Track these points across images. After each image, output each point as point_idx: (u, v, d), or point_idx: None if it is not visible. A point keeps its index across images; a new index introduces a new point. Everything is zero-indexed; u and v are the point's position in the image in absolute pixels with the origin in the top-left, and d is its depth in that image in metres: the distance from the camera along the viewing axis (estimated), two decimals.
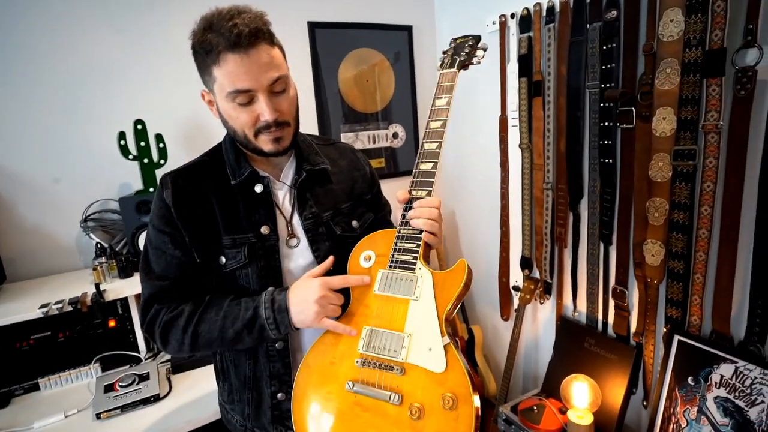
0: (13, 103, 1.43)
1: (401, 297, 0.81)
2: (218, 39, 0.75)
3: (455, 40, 1.00)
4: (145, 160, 1.46)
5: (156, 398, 1.20)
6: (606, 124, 1.35)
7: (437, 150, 0.88)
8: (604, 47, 1.30)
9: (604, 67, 1.32)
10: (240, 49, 0.75)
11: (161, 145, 1.50)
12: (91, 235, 1.49)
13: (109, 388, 1.23)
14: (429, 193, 0.87)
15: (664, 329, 1.30)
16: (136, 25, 1.54)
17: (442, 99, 0.92)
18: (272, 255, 0.90)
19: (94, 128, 1.52)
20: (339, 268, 0.95)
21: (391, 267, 0.84)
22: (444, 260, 2.17)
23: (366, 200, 1.03)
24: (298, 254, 0.93)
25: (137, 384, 1.24)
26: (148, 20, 1.55)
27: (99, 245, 1.44)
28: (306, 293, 0.82)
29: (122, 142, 1.44)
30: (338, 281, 0.84)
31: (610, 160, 1.36)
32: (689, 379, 1.22)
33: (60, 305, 1.22)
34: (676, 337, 1.25)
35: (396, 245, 0.85)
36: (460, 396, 0.71)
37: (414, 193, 0.87)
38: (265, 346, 0.91)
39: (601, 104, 1.34)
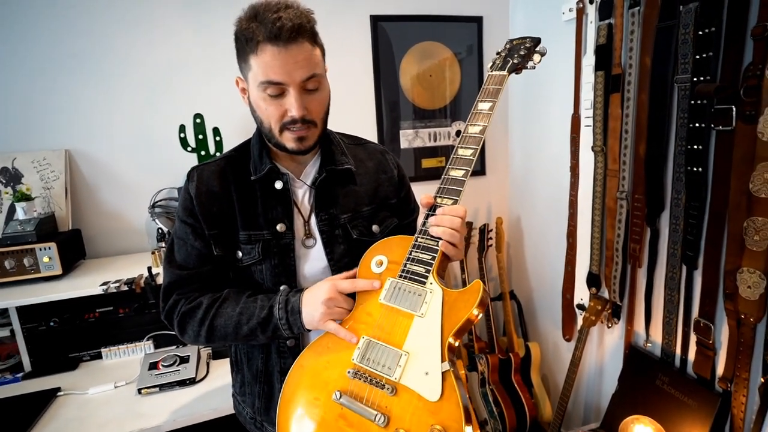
0: (98, 98, 1.58)
1: (406, 311, 0.74)
2: (260, 29, 0.75)
3: (512, 41, 0.92)
4: (203, 153, 1.53)
5: (191, 381, 1.26)
6: (697, 125, 1.13)
7: (471, 158, 0.81)
8: (700, 32, 1.09)
9: (698, 56, 1.10)
10: (279, 42, 0.74)
11: (218, 138, 1.56)
12: (157, 220, 1.60)
13: (153, 366, 1.31)
14: (455, 203, 0.79)
15: (761, 379, 1.06)
16: (199, 27, 1.62)
17: (486, 103, 0.85)
18: (287, 253, 0.89)
19: (162, 121, 1.63)
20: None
21: (401, 277, 0.78)
22: (504, 268, 2.02)
23: (391, 204, 0.97)
24: (313, 255, 0.90)
25: (177, 365, 1.31)
26: (216, 17, 1.62)
27: (160, 230, 1.54)
28: (315, 294, 0.81)
29: (182, 135, 1.52)
30: (348, 285, 0.81)
31: (700, 169, 1.13)
32: None
33: (117, 284, 1.32)
34: None
35: (410, 254, 0.79)
36: (450, 430, 0.63)
37: (439, 201, 0.80)
38: (277, 342, 0.91)
39: (692, 101, 1.12)
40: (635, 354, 1.42)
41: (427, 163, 2.02)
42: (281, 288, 0.86)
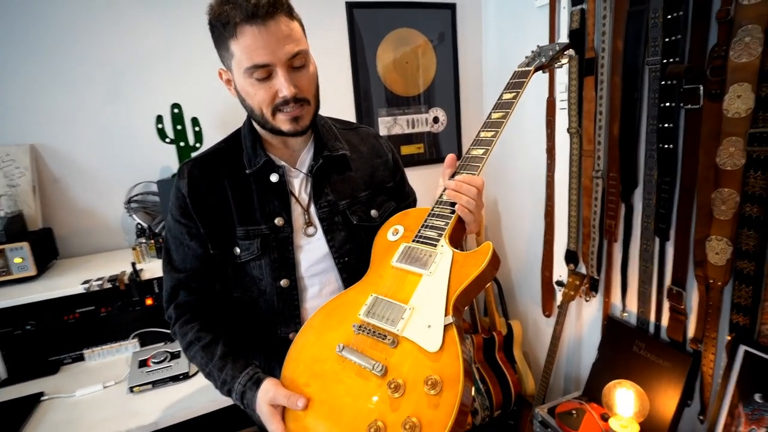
0: (65, 90, 1.50)
1: (416, 270, 0.77)
2: (235, 11, 0.72)
3: (540, 46, 0.96)
4: (182, 144, 1.49)
5: (185, 376, 1.23)
6: (667, 104, 1.20)
7: (492, 138, 0.85)
8: (669, 16, 1.15)
9: (667, 39, 1.16)
10: (257, 20, 0.72)
11: (197, 128, 1.52)
12: (134, 216, 1.55)
13: (143, 364, 1.28)
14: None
15: (728, 337, 1.15)
16: (175, 13, 1.56)
17: (510, 93, 0.89)
18: (286, 247, 0.88)
19: (136, 113, 1.57)
20: (357, 256, 0.91)
21: (414, 241, 0.81)
22: None
23: (387, 188, 0.98)
24: (313, 244, 0.90)
25: (169, 361, 1.28)
26: (187, 7, 1.57)
27: (139, 226, 1.50)
28: (263, 418, 0.76)
29: (159, 126, 1.47)
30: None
31: (671, 146, 1.21)
32: (757, 397, 1.07)
33: (100, 282, 1.27)
34: (742, 348, 1.11)
35: (426, 221, 0.83)
36: (446, 380, 0.64)
37: (457, 175, 0.83)
38: (276, 339, 0.91)
39: (663, 82, 1.19)
40: (613, 324, 1.50)
41: (405, 149, 2.04)
42: (242, 374, 0.80)
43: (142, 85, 1.56)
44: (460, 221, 0.81)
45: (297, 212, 0.90)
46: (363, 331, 0.74)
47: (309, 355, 0.77)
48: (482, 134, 0.86)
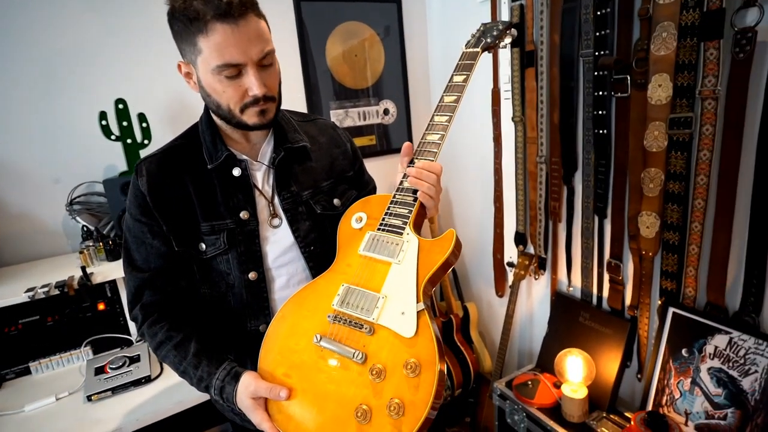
0: None
1: (384, 259, 0.80)
2: (205, 7, 0.70)
3: (485, 24, 0.99)
4: (128, 141, 1.42)
5: (147, 379, 1.20)
6: (600, 93, 1.31)
7: (447, 123, 0.87)
8: (599, 12, 1.25)
9: (598, 33, 1.27)
10: (230, 19, 0.71)
11: (144, 125, 1.46)
12: (78, 218, 1.47)
13: (99, 371, 1.23)
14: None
15: (659, 302, 1.29)
16: (114, 3, 1.48)
17: (460, 76, 0.91)
18: (252, 240, 0.89)
19: (75, 109, 1.47)
20: (322, 245, 0.93)
21: (379, 229, 0.83)
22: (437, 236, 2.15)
23: (348, 177, 1.01)
24: (279, 235, 0.91)
25: (128, 366, 1.23)
26: None
27: (85, 228, 1.42)
28: (243, 404, 0.77)
29: (103, 122, 1.40)
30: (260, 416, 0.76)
31: (605, 131, 1.32)
32: (683, 351, 1.21)
33: (46, 289, 1.20)
34: (671, 310, 1.24)
35: (389, 209, 0.85)
36: (424, 363, 0.68)
37: (416, 161, 0.86)
38: (246, 332, 0.91)
39: (596, 73, 1.30)
40: (560, 299, 1.62)
41: (357, 142, 2.05)
42: (219, 369, 0.81)
43: (82, 79, 1.47)
44: (421, 207, 0.84)
45: (261, 204, 0.90)
46: (339, 320, 0.76)
47: (285, 347, 0.79)
48: (436, 119, 0.88)
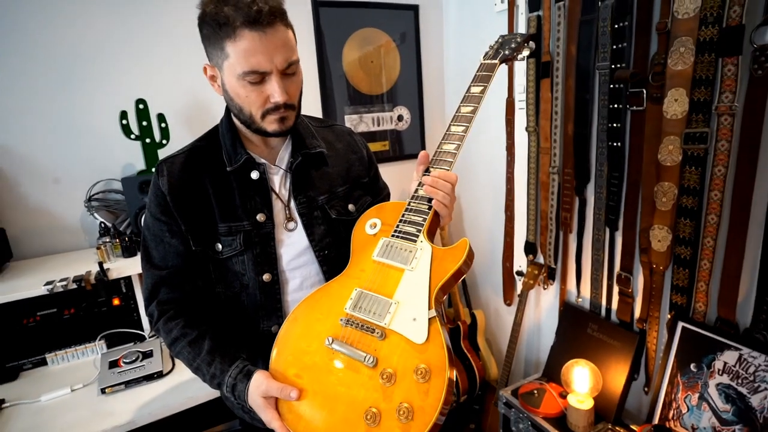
0: (15, 84, 1.42)
1: (397, 266, 0.81)
2: (236, 13, 0.73)
3: (503, 36, 1.00)
4: (147, 140, 1.45)
5: (159, 375, 1.22)
6: (615, 106, 1.31)
7: (463, 134, 0.88)
8: (616, 26, 1.26)
9: (615, 46, 1.28)
10: (259, 27, 0.73)
11: (163, 125, 1.49)
12: (95, 214, 1.50)
13: (113, 365, 1.25)
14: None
15: (669, 316, 1.28)
16: (137, 4, 1.52)
17: (477, 87, 0.92)
18: (268, 242, 0.91)
19: (96, 107, 1.51)
20: (336, 250, 0.95)
21: (393, 236, 0.85)
22: (448, 244, 2.16)
23: (363, 183, 1.03)
24: (294, 239, 0.93)
25: (141, 361, 1.26)
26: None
27: (103, 225, 1.45)
28: (255, 402, 0.79)
29: (124, 122, 1.43)
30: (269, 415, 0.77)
31: (619, 144, 1.33)
32: (692, 366, 1.21)
33: (64, 283, 1.23)
34: (680, 324, 1.24)
35: (403, 216, 0.86)
36: (434, 369, 0.70)
37: (432, 171, 0.87)
38: (259, 333, 0.93)
39: (611, 85, 1.31)
40: (569, 309, 1.62)
41: (371, 147, 2.07)
42: (231, 367, 0.83)
43: (104, 79, 1.51)
44: (435, 215, 0.85)
45: (278, 208, 0.92)
46: (351, 324, 0.78)
47: (297, 348, 0.80)
48: (453, 128, 0.89)
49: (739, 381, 1.11)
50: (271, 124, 0.83)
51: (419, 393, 0.69)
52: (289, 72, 0.80)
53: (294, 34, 0.83)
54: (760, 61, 1.00)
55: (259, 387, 0.78)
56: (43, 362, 1.32)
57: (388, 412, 0.69)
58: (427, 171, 0.87)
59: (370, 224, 0.90)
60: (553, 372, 1.56)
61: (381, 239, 0.86)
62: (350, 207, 0.98)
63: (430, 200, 0.85)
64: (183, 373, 1.26)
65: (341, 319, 0.79)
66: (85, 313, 1.35)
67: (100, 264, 1.29)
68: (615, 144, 1.34)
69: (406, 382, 0.70)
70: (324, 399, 0.74)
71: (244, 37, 0.74)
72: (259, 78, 0.78)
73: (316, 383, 0.75)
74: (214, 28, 0.76)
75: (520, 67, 1.61)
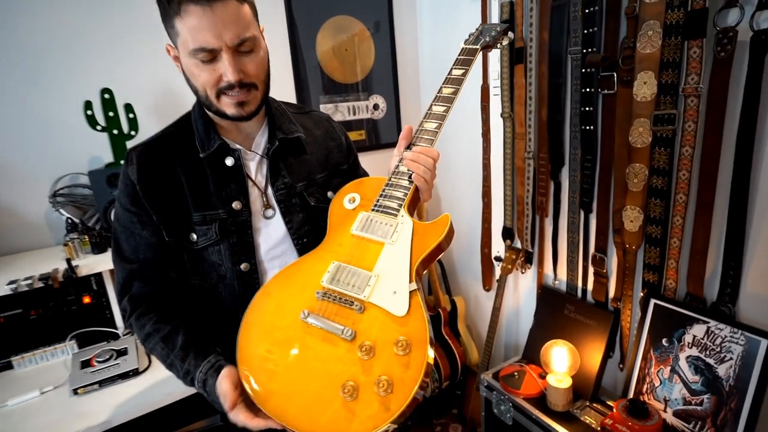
0: None
1: (377, 239, 0.80)
2: None
3: (483, 24, 1.01)
4: (115, 132, 1.40)
5: (135, 372, 1.19)
6: (587, 90, 1.34)
7: (444, 113, 0.88)
8: (587, 11, 1.28)
9: (586, 31, 1.30)
10: (203, 1, 0.70)
11: (131, 115, 1.43)
12: (61, 210, 1.43)
13: (85, 364, 1.21)
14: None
15: (641, 294, 1.32)
16: None
17: (459, 70, 0.92)
18: (245, 230, 0.88)
19: (59, 98, 1.44)
20: (315, 237, 0.93)
21: (373, 210, 0.84)
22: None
23: (342, 170, 1.01)
24: (272, 226, 0.91)
25: (115, 359, 1.22)
26: None
27: (70, 221, 1.39)
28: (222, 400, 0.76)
29: (89, 113, 1.37)
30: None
31: (591, 127, 1.35)
32: (663, 341, 1.25)
33: (29, 281, 1.18)
34: (653, 301, 1.28)
35: (383, 191, 0.85)
36: (414, 342, 0.69)
37: (414, 147, 0.86)
38: (238, 324, 0.90)
39: (583, 70, 1.33)
40: (546, 292, 1.65)
41: None
42: (204, 362, 0.80)
43: (66, 68, 1.43)
44: (416, 191, 0.84)
45: (254, 195, 0.90)
46: (328, 297, 0.76)
47: (268, 323, 0.78)
48: (434, 108, 0.89)
49: (707, 353, 1.16)
50: (229, 108, 0.80)
51: (399, 365, 0.68)
52: (244, 49, 0.77)
53: (253, 10, 0.79)
54: (723, 43, 1.03)
55: (219, 384, 0.75)
56: (9, 366, 1.26)
57: (366, 385, 0.67)
58: (408, 147, 0.86)
59: (348, 199, 0.88)
60: (532, 354, 1.59)
61: (360, 213, 0.85)
62: (329, 194, 0.97)
63: (410, 176, 0.84)
64: (160, 370, 1.22)
65: (317, 293, 0.77)
66: (53, 313, 1.29)
67: (68, 261, 1.23)
68: (588, 127, 1.36)
69: (385, 354, 0.69)
70: (298, 374, 0.71)
71: (189, 12, 0.71)
72: (209, 56, 0.74)
73: (289, 359, 0.73)
74: (164, 5, 0.73)
75: (495, 53, 1.62)
